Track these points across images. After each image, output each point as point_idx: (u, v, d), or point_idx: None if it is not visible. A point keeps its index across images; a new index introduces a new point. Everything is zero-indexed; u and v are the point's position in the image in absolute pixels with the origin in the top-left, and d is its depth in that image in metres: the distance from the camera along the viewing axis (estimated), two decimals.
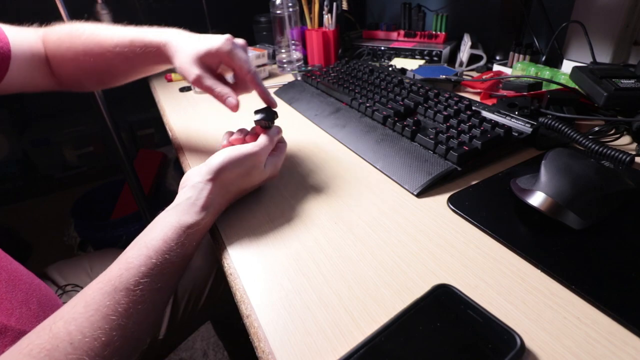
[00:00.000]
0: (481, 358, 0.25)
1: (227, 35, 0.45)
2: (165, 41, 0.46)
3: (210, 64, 0.45)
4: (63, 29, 0.53)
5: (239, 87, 0.47)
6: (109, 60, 0.50)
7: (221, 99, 0.44)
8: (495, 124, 0.49)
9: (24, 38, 0.51)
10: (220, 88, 0.44)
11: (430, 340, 0.26)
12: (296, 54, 0.91)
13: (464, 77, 0.78)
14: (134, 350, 0.32)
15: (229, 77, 0.49)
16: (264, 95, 0.46)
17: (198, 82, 0.44)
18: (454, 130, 0.49)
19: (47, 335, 0.28)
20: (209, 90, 0.44)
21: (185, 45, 0.45)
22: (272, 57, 0.97)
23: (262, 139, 0.42)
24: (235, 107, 0.43)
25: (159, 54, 0.47)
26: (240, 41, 0.46)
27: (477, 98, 0.68)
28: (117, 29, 0.50)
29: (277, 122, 0.46)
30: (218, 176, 0.38)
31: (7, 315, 0.36)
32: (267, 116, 0.44)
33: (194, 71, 0.43)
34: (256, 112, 0.44)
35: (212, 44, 0.44)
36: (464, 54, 0.85)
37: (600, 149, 0.45)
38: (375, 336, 0.26)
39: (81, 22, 0.54)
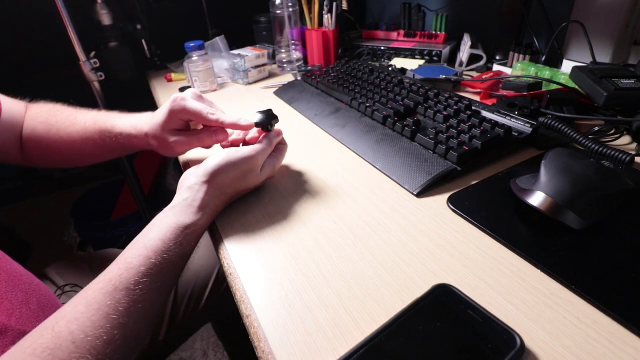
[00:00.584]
0: (481, 358, 0.25)
1: (172, 97, 0.46)
2: (137, 132, 0.49)
3: (177, 127, 0.47)
4: (46, 106, 0.55)
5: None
6: (78, 143, 0.52)
7: (209, 139, 0.47)
8: (495, 124, 0.49)
9: (13, 108, 0.53)
10: (199, 135, 0.47)
11: (430, 340, 0.26)
12: (296, 54, 0.91)
13: (464, 77, 0.78)
14: (134, 348, 0.33)
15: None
16: (235, 125, 0.46)
17: (179, 145, 0.47)
18: (454, 130, 0.49)
19: (50, 335, 0.28)
20: (193, 142, 0.47)
21: (152, 128, 0.47)
22: (272, 57, 0.97)
23: (261, 143, 0.42)
24: (225, 136, 0.47)
25: (130, 143, 0.50)
26: (187, 94, 0.47)
27: (477, 98, 0.68)
28: (92, 114, 0.53)
29: (278, 123, 0.46)
30: (214, 178, 0.39)
31: (8, 315, 0.36)
32: (267, 119, 0.44)
33: (170, 140, 0.47)
34: (257, 113, 0.45)
35: (163, 111, 0.46)
36: (464, 54, 0.85)
37: (600, 149, 0.45)
38: (375, 336, 0.26)
39: (67, 105, 0.56)
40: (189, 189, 0.38)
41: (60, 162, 0.58)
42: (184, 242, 0.35)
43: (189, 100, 0.46)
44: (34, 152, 0.55)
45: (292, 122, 0.64)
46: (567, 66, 0.70)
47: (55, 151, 0.54)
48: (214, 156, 0.40)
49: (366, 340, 0.26)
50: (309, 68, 0.87)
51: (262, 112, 0.45)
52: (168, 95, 0.84)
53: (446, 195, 0.42)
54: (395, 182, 0.45)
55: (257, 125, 0.44)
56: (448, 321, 0.27)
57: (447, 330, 0.26)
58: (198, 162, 0.40)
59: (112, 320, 0.30)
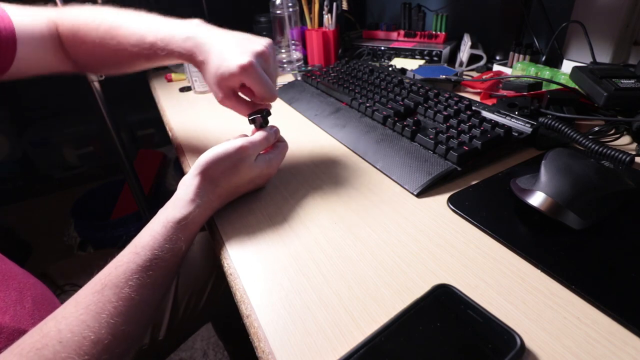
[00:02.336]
0: (481, 358, 0.25)
1: (245, 61, 0.40)
2: (190, 53, 0.44)
3: (230, 87, 0.44)
4: (80, 16, 0.50)
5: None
6: (128, 57, 0.49)
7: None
8: (495, 124, 0.49)
9: (31, 21, 0.49)
10: (241, 110, 0.45)
11: (430, 340, 0.26)
12: (296, 54, 0.91)
13: (464, 77, 0.78)
14: (125, 349, 0.32)
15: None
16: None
17: (222, 103, 0.45)
18: (454, 130, 0.49)
19: (38, 334, 0.28)
20: (233, 109, 0.46)
21: (209, 65, 0.43)
22: None
23: (254, 135, 0.42)
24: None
25: (182, 60, 0.47)
26: (259, 54, 0.42)
27: (477, 98, 0.68)
28: (137, 24, 0.48)
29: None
30: (206, 170, 0.38)
31: (1, 313, 0.36)
32: (259, 113, 0.44)
33: (217, 94, 0.44)
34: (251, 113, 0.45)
35: (226, 70, 0.41)
36: (464, 54, 0.85)
37: (600, 149, 0.45)
38: (375, 336, 0.26)
39: (97, 6, 0.51)
40: (182, 184, 0.38)
41: (104, 69, 0.57)
42: (174, 236, 0.35)
43: (256, 71, 0.41)
44: (80, 58, 0.53)
45: (292, 122, 0.64)
46: (567, 66, 0.70)
47: (103, 61, 0.52)
48: (207, 151, 0.40)
49: (366, 340, 0.26)
50: (309, 68, 0.87)
51: (255, 112, 0.45)
52: (168, 95, 0.84)
53: (446, 195, 0.42)
54: (395, 182, 0.45)
55: (250, 121, 0.45)
56: (448, 321, 0.27)
57: (447, 330, 0.26)
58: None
59: (101, 319, 0.30)
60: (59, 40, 0.52)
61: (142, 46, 0.47)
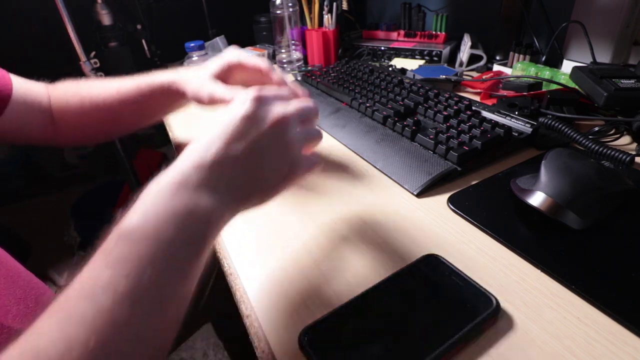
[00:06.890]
0: (461, 316, 0.27)
1: (222, 56, 0.44)
2: (173, 78, 0.46)
3: (223, 79, 0.42)
4: (72, 83, 0.54)
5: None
6: (115, 106, 0.50)
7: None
8: (495, 124, 0.49)
9: (30, 86, 0.52)
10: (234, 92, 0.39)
11: (415, 299, 0.29)
12: (296, 54, 0.91)
13: (464, 77, 0.78)
14: None
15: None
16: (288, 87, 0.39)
17: (213, 98, 0.40)
18: (454, 130, 0.49)
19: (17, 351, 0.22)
20: (221, 99, 0.39)
21: (195, 74, 0.44)
22: (272, 57, 0.97)
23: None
24: None
25: (167, 92, 0.47)
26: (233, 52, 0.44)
27: (477, 98, 0.68)
28: (123, 78, 0.51)
29: None
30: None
31: (4, 312, 0.36)
32: None
33: (207, 88, 0.41)
34: None
35: (221, 60, 0.43)
36: (464, 54, 0.85)
37: (600, 149, 0.45)
38: (365, 294, 0.29)
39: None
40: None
41: (94, 135, 0.56)
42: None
43: (244, 53, 0.42)
44: (67, 128, 0.54)
45: None
46: (567, 66, 0.70)
47: (92, 121, 0.52)
48: None
49: (356, 297, 0.29)
50: (309, 68, 0.87)
51: None
52: None
53: (446, 195, 0.42)
54: (395, 182, 0.45)
55: None
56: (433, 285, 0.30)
57: (432, 293, 0.29)
58: None
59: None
60: (49, 109, 0.53)
61: (128, 88, 0.49)
